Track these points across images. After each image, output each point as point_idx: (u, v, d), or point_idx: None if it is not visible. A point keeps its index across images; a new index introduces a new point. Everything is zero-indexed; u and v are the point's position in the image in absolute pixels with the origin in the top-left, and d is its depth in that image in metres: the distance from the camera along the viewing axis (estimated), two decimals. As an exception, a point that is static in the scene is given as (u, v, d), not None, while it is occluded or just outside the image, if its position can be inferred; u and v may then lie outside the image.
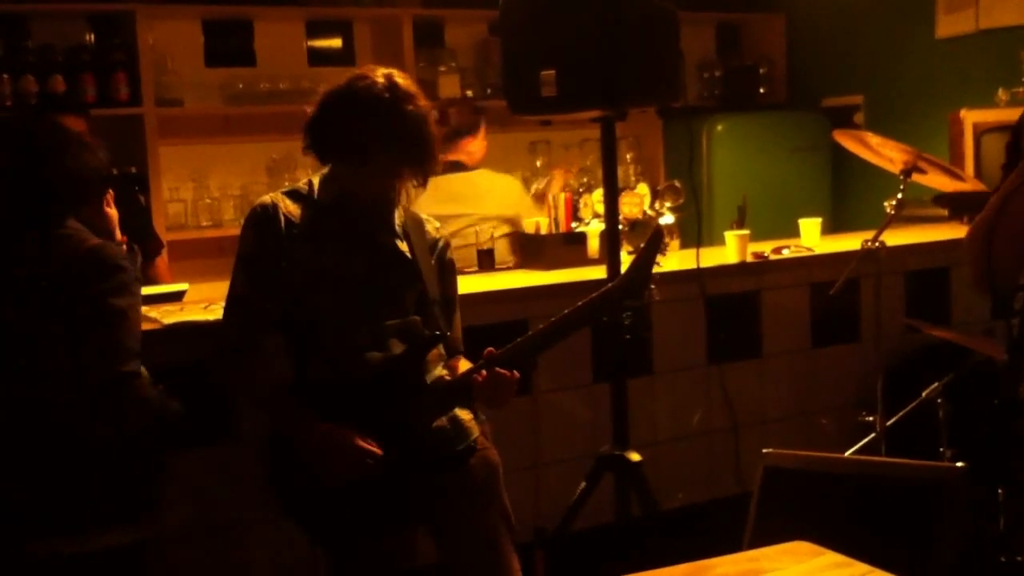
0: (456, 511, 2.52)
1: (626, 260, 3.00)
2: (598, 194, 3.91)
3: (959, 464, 2.31)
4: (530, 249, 4.01)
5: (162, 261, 4.18)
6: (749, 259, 3.87)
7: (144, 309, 2.68)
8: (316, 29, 5.42)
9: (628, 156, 5.63)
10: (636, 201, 3.90)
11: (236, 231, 2.69)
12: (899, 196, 3.42)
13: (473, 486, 2.53)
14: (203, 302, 3.14)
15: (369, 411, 2.43)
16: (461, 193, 4.07)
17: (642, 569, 1.68)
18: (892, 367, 3.54)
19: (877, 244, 3.39)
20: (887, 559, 1.68)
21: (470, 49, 5.74)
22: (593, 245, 3.88)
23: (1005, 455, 2.66)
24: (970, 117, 4.75)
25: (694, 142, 5.35)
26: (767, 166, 5.57)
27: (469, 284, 3.38)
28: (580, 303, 2.50)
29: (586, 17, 2.90)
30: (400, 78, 2.49)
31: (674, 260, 3.78)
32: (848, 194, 5.68)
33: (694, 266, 3.56)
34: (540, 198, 4.31)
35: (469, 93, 5.51)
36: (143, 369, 2.36)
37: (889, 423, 3.38)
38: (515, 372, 2.44)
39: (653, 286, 2.57)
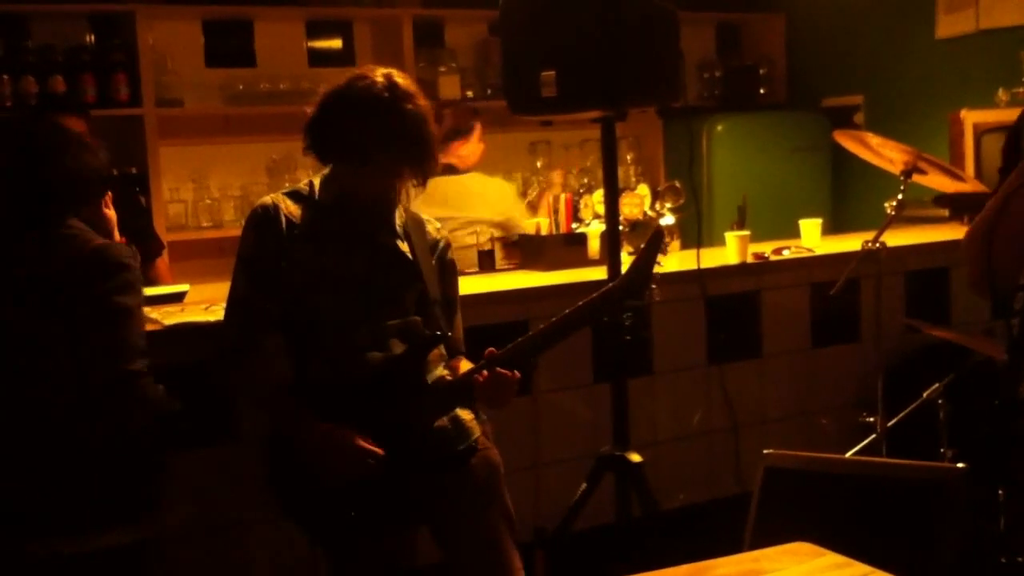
0: (458, 511, 2.52)
1: (627, 261, 2.99)
2: (598, 195, 3.91)
3: (959, 465, 2.31)
4: (531, 250, 4.01)
5: (163, 262, 4.17)
6: (750, 260, 3.87)
7: (145, 310, 2.68)
8: (316, 29, 5.43)
9: (628, 156, 5.63)
10: (636, 202, 3.90)
11: (236, 232, 2.69)
12: (899, 197, 3.42)
13: (474, 486, 2.53)
14: (204, 303, 3.14)
15: (370, 411, 2.44)
16: (449, 196, 4.05)
17: (643, 570, 1.68)
18: (892, 367, 3.55)
19: (878, 245, 3.39)
20: (888, 560, 1.68)
21: (470, 49, 5.74)
22: (594, 246, 3.89)
23: (1005, 455, 2.66)
24: (970, 117, 4.75)
25: (694, 142, 5.36)
26: (767, 166, 5.57)
27: (470, 285, 3.38)
28: (581, 303, 2.50)
29: (586, 17, 2.90)
30: (399, 77, 2.49)
31: (674, 261, 3.78)
32: (848, 194, 5.68)
33: (694, 267, 3.56)
34: (532, 207, 4.32)
35: (469, 93, 5.51)
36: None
37: (890, 424, 3.38)
38: (516, 372, 2.44)
39: (654, 286, 2.56)
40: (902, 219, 3.69)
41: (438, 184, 3.96)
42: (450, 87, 5.42)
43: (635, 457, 3.05)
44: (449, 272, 2.72)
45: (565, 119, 3.26)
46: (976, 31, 5.08)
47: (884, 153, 3.51)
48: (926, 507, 2.13)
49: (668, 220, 3.88)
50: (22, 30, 4.68)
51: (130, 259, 2.39)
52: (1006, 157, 2.13)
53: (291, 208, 2.54)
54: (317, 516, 2.48)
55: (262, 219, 2.52)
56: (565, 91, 2.93)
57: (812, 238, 4.15)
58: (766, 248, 4.01)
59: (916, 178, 3.48)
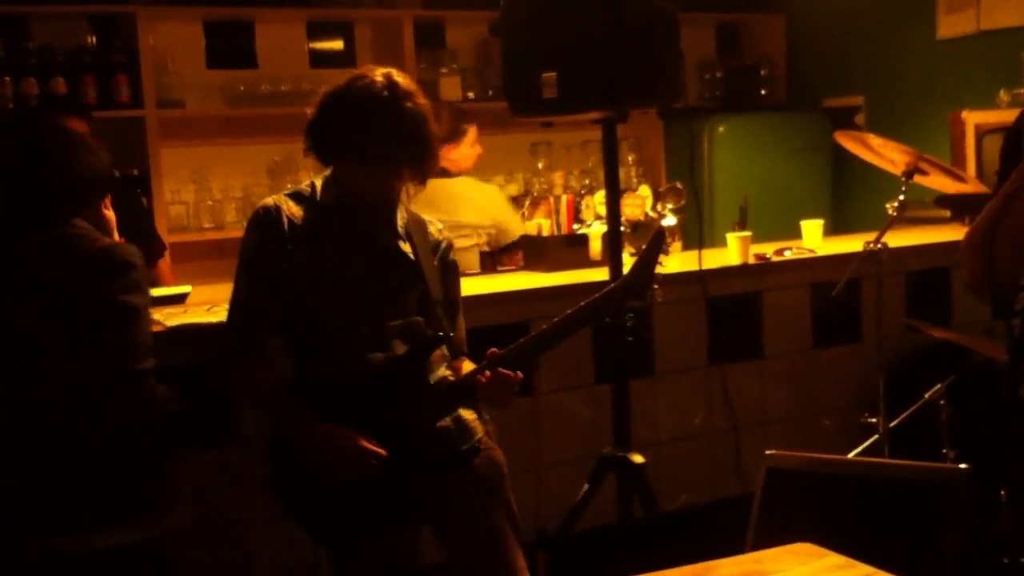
0: (461, 511, 2.52)
1: (628, 262, 2.99)
2: (600, 196, 3.91)
3: (961, 465, 2.31)
4: (532, 251, 4.02)
5: (165, 263, 4.17)
6: (751, 261, 3.87)
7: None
8: (317, 30, 5.43)
9: (630, 158, 5.64)
10: (638, 203, 3.90)
11: (238, 233, 2.70)
12: (901, 198, 3.42)
13: (478, 486, 2.53)
14: (206, 304, 3.15)
15: (371, 412, 2.44)
16: (438, 199, 4.04)
17: (644, 571, 1.68)
18: (893, 368, 3.55)
19: (879, 246, 3.39)
20: (889, 560, 1.68)
21: (471, 50, 5.74)
22: (595, 247, 3.89)
23: (1007, 456, 2.66)
24: (972, 118, 4.75)
25: (695, 143, 5.36)
26: (768, 167, 5.57)
27: (472, 286, 3.38)
28: (582, 304, 2.50)
29: (586, 18, 2.90)
30: (399, 76, 2.49)
31: (676, 262, 3.78)
32: (849, 195, 5.68)
33: (696, 267, 3.56)
34: (535, 205, 4.32)
35: (471, 95, 5.51)
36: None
37: (892, 424, 3.38)
38: (518, 373, 2.44)
39: (656, 287, 2.56)
40: (903, 220, 3.69)
41: (428, 186, 3.95)
42: (451, 88, 5.42)
43: (637, 458, 3.05)
44: (451, 273, 2.72)
45: (566, 120, 3.26)
46: (977, 32, 5.08)
47: (885, 154, 3.52)
48: (927, 508, 2.13)
49: (670, 221, 3.88)
50: (23, 31, 4.68)
51: (137, 258, 2.40)
52: (1004, 159, 2.13)
53: (293, 209, 2.54)
54: (318, 516, 2.48)
55: (264, 220, 2.52)
56: (566, 92, 2.93)
57: (814, 239, 4.15)
58: (768, 249, 4.01)
59: (917, 179, 3.48)
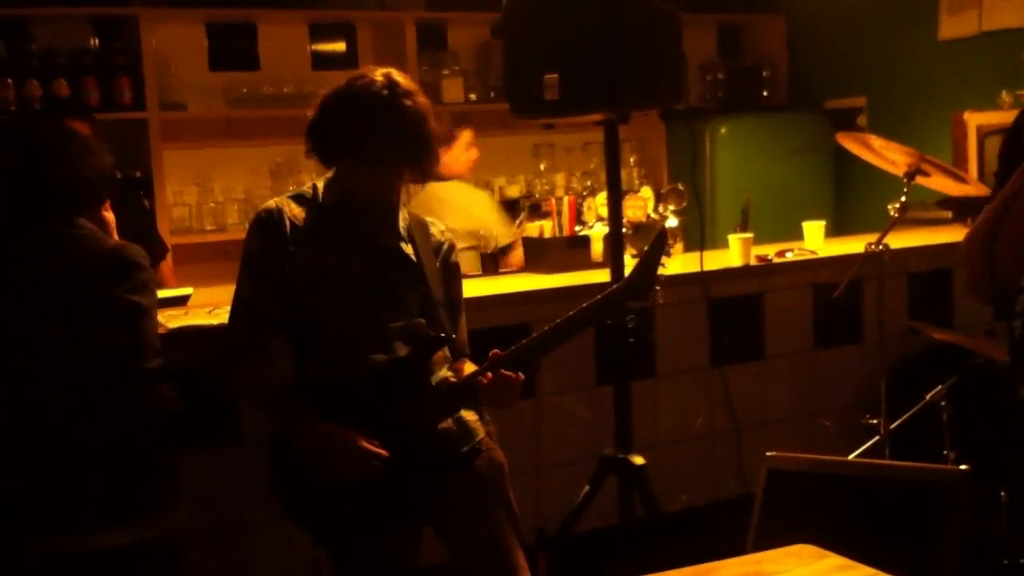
0: (463, 511, 2.52)
1: (630, 263, 3.00)
2: (602, 197, 3.91)
3: (962, 466, 2.31)
4: (534, 253, 4.02)
5: (167, 265, 4.18)
6: (753, 262, 3.87)
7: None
8: (319, 32, 5.43)
9: (631, 159, 5.65)
10: (640, 204, 3.90)
11: (240, 235, 2.70)
12: (903, 199, 3.42)
13: (479, 486, 2.53)
14: (208, 306, 3.15)
15: (373, 412, 2.44)
16: (423, 203, 4.05)
17: (645, 572, 1.68)
18: (895, 369, 3.55)
19: (881, 247, 3.39)
20: (890, 561, 1.68)
21: (473, 52, 5.74)
22: (597, 248, 3.89)
23: (1007, 457, 2.66)
24: (973, 119, 4.75)
25: (697, 144, 5.36)
26: (770, 168, 5.57)
27: (473, 288, 3.38)
28: (584, 305, 2.50)
29: (588, 19, 2.90)
30: (398, 76, 2.49)
31: (678, 263, 3.78)
32: (850, 196, 5.68)
33: (698, 269, 3.56)
34: (536, 210, 4.32)
35: (472, 96, 5.51)
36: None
37: (893, 426, 3.38)
38: (520, 374, 2.44)
39: (658, 288, 2.56)
40: (905, 221, 3.69)
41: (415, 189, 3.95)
42: (453, 90, 5.43)
43: (638, 459, 3.05)
44: (453, 274, 2.72)
45: (567, 122, 3.26)
46: (979, 33, 5.07)
47: (887, 155, 3.51)
48: (928, 509, 2.13)
49: (671, 222, 3.88)
50: (25, 33, 4.68)
51: (145, 259, 2.42)
52: (1003, 160, 2.13)
53: (295, 211, 2.54)
54: (318, 516, 2.48)
55: (266, 223, 2.52)
56: (567, 94, 2.93)
57: (815, 240, 4.15)
58: (769, 250, 4.01)
59: (919, 180, 3.48)
